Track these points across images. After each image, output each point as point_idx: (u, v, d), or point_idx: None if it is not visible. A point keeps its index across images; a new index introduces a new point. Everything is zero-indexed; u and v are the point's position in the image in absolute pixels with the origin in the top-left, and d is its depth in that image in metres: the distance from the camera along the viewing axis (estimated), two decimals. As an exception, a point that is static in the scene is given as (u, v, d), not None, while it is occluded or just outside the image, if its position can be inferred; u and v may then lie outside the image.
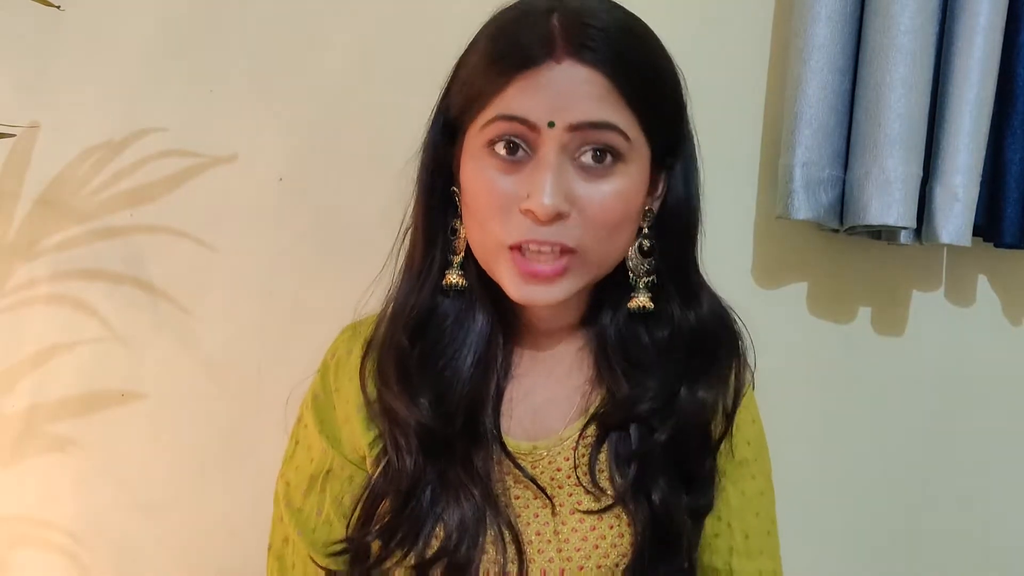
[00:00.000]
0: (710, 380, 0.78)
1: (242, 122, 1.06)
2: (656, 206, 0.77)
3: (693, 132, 0.79)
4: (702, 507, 0.78)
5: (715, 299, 0.80)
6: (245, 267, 1.07)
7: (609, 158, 0.70)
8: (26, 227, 1.06)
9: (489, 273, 0.75)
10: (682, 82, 0.76)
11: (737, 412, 0.80)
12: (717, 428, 0.79)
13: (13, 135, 1.00)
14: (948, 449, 1.13)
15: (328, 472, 0.81)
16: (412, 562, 0.73)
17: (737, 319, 0.81)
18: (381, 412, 0.77)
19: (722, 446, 0.79)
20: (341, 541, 0.79)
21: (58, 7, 0.89)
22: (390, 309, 0.80)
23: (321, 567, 0.81)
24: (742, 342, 0.81)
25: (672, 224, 0.77)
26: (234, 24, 1.05)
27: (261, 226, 1.07)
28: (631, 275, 0.77)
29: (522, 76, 0.69)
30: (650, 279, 0.77)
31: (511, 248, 0.71)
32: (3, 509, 1.09)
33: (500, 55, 0.71)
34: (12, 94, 1.05)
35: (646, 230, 0.76)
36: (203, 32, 1.05)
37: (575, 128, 0.69)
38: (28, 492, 1.09)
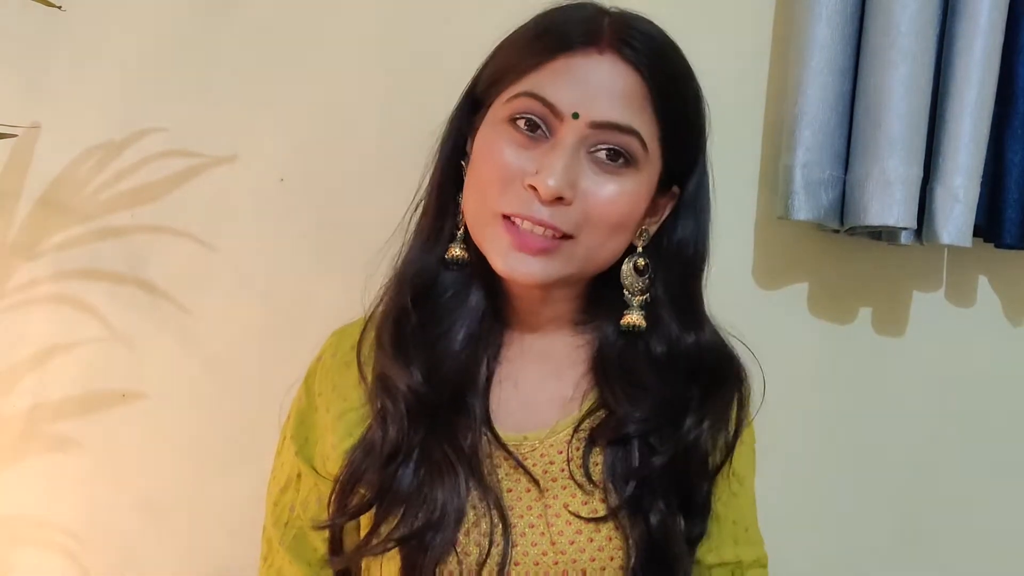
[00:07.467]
0: (712, 413, 0.78)
1: (242, 122, 1.06)
2: (653, 229, 0.78)
3: (710, 172, 0.79)
4: (696, 535, 0.78)
5: (717, 333, 0.81)
6: (245, 267, 1.07)
7: (622, 160, 0.72)
8: (27, 227, 1.06)
9: (478, 244, 0.75)
10: (706, 114, 0.77)
11: (737, 445, 0.80)
12: (715, 458, 0.79)
13: (14, 135, 1.00)
14: (948, 449, 1.13)
15: (299, 476, 0.83)
16: (397, 536, 0.73)
17: (740, 356, 0.81)
18: (376, 383, 0.78)
19: (719, 475, 0.79)
20: (326, 522, 0.79)
21: (59, 7, 0.89)
22: (395, 274, 0.81)
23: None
24: (745, 379, 0.81)
25: (680, 255, 0.78)
26: (234, 24, 1.05)
27: (261, 226, 1.07)
28: (626, 292, 0.78)
29: (561, 58, 0.71)
30: (644, 297, 0.78)
31: (504, 217, 0.72)
32: (3, 509, 1.09)
33: (545, 33, 0.73)
34: (13, 94, 1.05)
35: (640, 248, 0.77)
36: (203, 32, 1.05)
37: (597, 126, 0.70)
38: (29, 492, 1.09)
